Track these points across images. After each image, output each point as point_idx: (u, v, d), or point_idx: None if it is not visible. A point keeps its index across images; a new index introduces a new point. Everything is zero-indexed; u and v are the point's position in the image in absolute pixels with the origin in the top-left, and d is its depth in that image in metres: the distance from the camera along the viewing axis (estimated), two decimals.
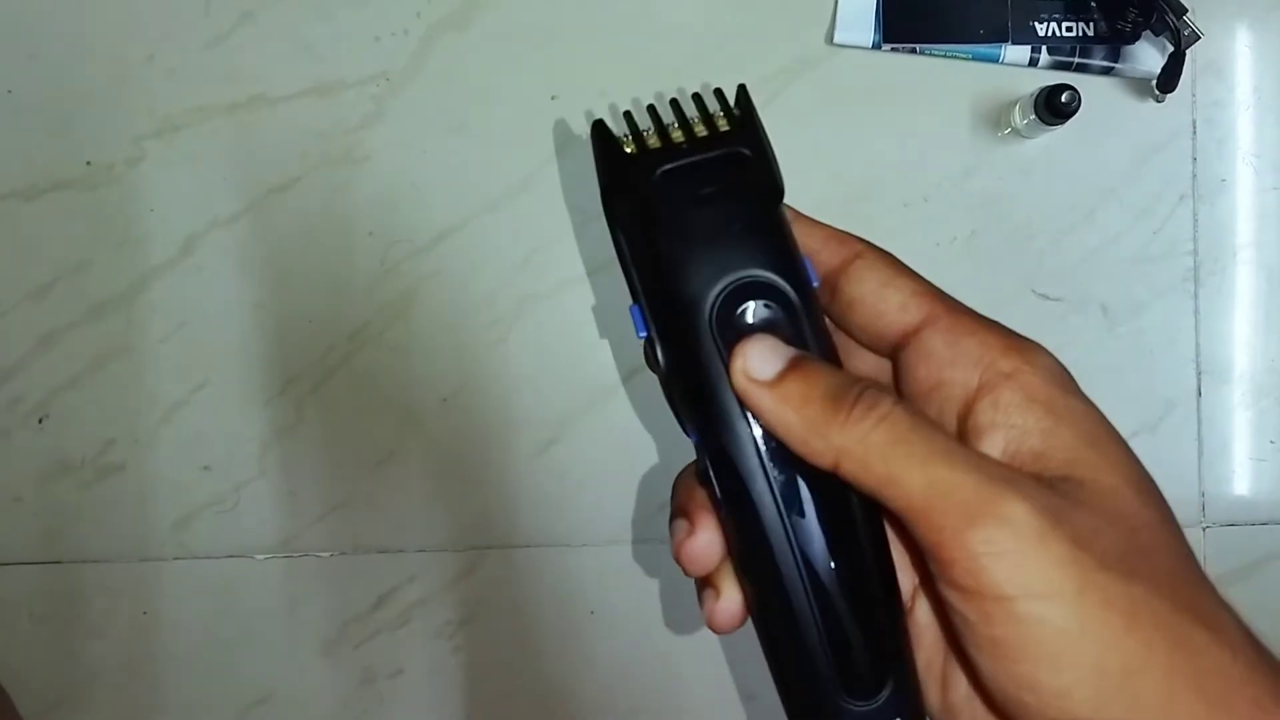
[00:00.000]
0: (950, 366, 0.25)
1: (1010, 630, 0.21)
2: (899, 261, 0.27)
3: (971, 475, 0.22)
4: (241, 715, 0.58)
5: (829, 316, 0.27)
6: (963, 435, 0.25)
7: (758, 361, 0.24)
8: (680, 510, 0.27)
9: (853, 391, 0.23)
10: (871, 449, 0.22)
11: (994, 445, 0.24)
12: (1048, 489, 0.22)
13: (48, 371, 0.57)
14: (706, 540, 0.26)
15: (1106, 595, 0.21)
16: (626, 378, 0.58)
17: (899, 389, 0.26)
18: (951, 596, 0.22)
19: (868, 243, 0.27)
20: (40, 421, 0.57)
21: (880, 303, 0.26)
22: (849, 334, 0.27)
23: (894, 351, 0.26)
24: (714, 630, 0.27)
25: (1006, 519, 0.21)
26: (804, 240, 0.26)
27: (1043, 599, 0.21)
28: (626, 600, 0.58)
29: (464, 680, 0.58)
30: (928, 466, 0.22)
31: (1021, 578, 0.21)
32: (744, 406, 0.24)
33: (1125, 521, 0.22)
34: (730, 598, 0.26)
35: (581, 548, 0.58)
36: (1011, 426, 0.24)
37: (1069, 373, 0.25)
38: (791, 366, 0.24)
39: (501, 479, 0.58)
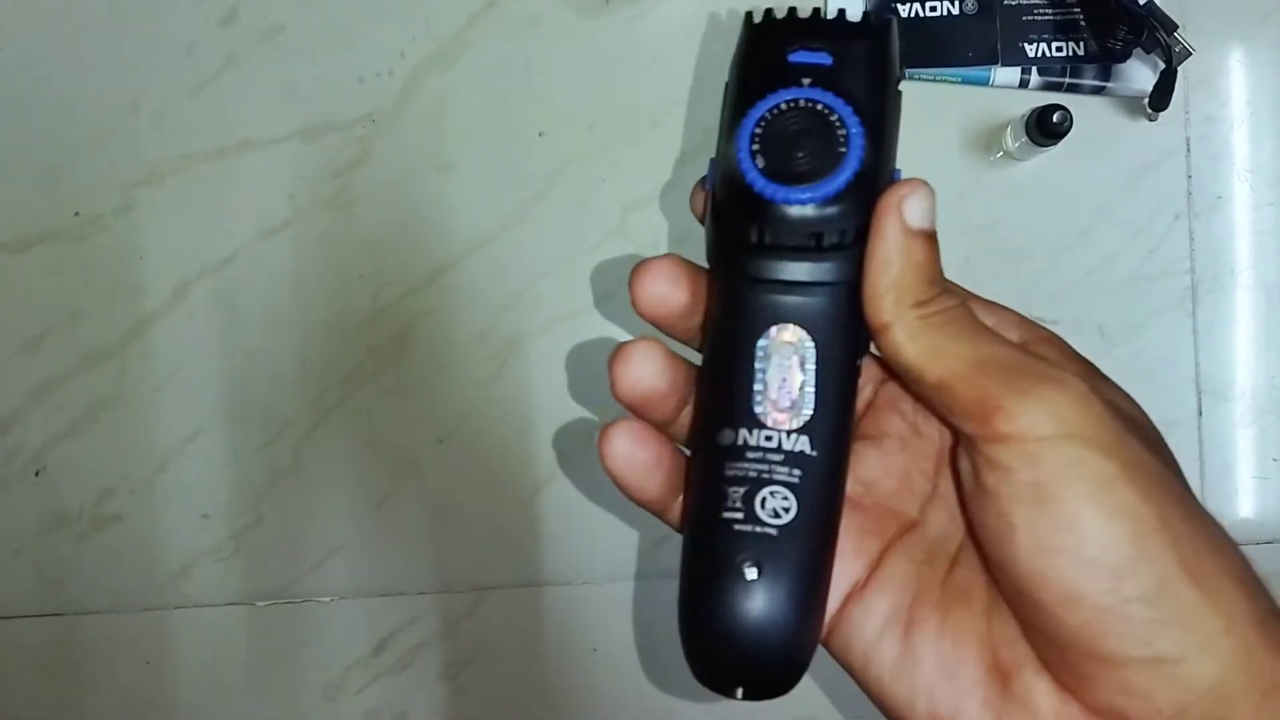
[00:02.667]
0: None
1: (1050, 469, 0.23)
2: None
3: (1020, 355, 0.24)
4: None
5: None
6: None
7: (919, 206, 0.25)
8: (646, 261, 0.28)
9: (941, 285, 0.25)
10: (919, 329, 0.24)
11: None
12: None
13: (43, 423, 0.57)
14: (669, 281, 0.27)
15: (1137, 457, 0.23)
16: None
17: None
18: (993, 450, 0.23)
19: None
20: (37, 474, 0.57)
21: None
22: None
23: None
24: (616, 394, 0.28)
25: (1054, 378, 0.23)
26: None
27: (1085, 441, 0.23)
28: (629, 637, 0.58)
29: None
30: (979, 345, 0.24)
31: (1067, 421, 0.23)
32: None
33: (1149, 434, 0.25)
34: (640, 353, 0.27)
35: (582, 585, 0.58)
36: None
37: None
38: (929, 236, 0.25)
39: (500, 518, 0.58)
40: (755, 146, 0.25)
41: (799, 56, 0.26)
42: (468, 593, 0.58)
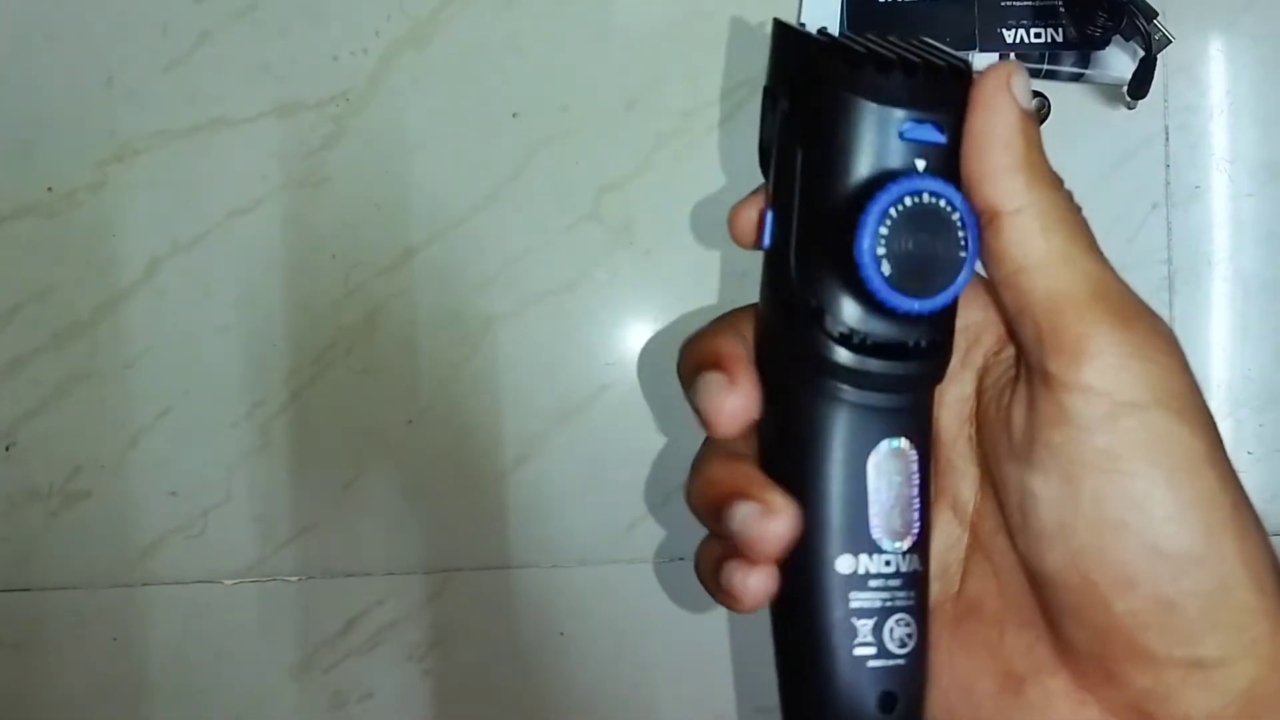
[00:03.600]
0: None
1: (1133, 441, 0.21)
2: None
3: (1135, 299, 0.22)
4: None
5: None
6: None
7: (1024, 87, 0.23)
8: (710, 362, 0.24)
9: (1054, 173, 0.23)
10: (1055, 219, 0.22)
11: None
12: None
13: (13, 399, 0.57)
14: (745, 395, 0.23)
15: (1219, 439, 0.22)
16: (595, 395, 0.57)
17: None
18: (1073, 400, 0.21)
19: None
20: (7, 449, 0.57)
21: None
22: None
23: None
24: (759, 552, 0.23)
25: (1162, 335, 0.22)
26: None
27: (1177, 415, 0.21)
28: (597, 621, 0.58)
29: (434, 703, 0.58)
30: (1104, 268, 0.22)
31: (1162, 386, 0.21)
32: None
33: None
34: (783, 507, 0.23)
35: (551, 569, 0.58)
36: None
37: None
38: (1032, 114, 0.23)
39: (470, 500, 0.58)
40: (881, 252, 0.21)
41: (913, 132, 0.22)
42: (436, 574, 0.58)
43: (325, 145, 0.57)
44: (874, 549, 0.23)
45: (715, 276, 0.57)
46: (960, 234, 0.22)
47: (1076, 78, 0.57)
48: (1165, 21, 0.53)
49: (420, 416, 0.58)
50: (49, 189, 0.57)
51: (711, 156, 0.57)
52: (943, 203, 0.22)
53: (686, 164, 0.57)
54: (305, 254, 0.57)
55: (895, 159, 0.22)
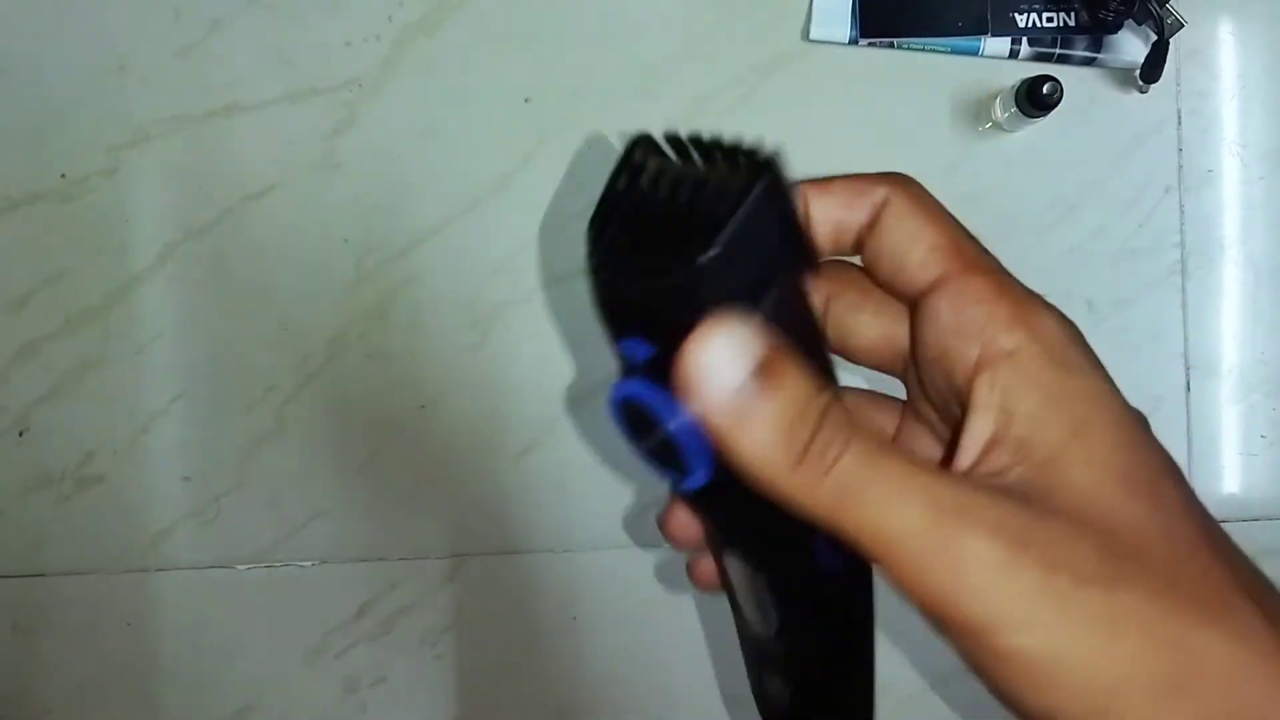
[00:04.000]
0: (954, 335, 0.23)
1: (991, 661, 0.21)
2: (930, 203, 0.25)
3: (928, 515, 0.21)
4: None
5: (864, 267, 0.26)
6: (963, 407, 0.24)
7: (717, 378, 0.21)
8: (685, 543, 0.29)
9: (806, 430, 0.21)
10: (822, 500, 0.21)
11: (983, 428, 0.23)
12: (1016, 503, 0.21)
13: (27, 384, 0.57)
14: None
15: (1086, 612, 0.20)
16: (607, 380, 0.57)
17: (912, 347, 0.25)
18: (932, 629, 0.22)
19: (896, 182, 0.25)
20: (20, 435, 0.57)
21: (901, 258, 0.24)
22: (880, 286, 0.26)
23: (912, 308, 0.25)
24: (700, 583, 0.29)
25: (967, 556, 0.20)
26: (819, 209, 0.25)
27: (1019, 630, 0.20)
28: (609, 605, 0.58)
29: (447, 688, 0.58)
30: (883, 512, 0.21)
31: (995, 611, 0.20)
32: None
33: (1104, 523, 0.21)
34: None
35: (564, 553, 0.58)
36: (1003, 410, 0.23)
37: (1079, 338, 0.24)
38: (761, 372, 0.21)
39: (482, 485, 0.58)
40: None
41: (625, 349, 0.23)
42: (449, 559, 0.58)
43: (338, 131, 0.57)
44: None
45: None
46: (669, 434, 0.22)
47: (1089, 62, 0.57)
48: (1177, 6, 0.53)
49: (432, 402, 0.58)
50: (62, 175, 0.57)
51: None
52: (649, 406, 0.22)
53: None
54: (318, 240, 0.57)
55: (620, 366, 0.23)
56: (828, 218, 0.25)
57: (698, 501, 0.25)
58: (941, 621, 0.21)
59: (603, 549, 0.58)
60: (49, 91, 0.57)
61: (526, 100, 0.57)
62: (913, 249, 0.24)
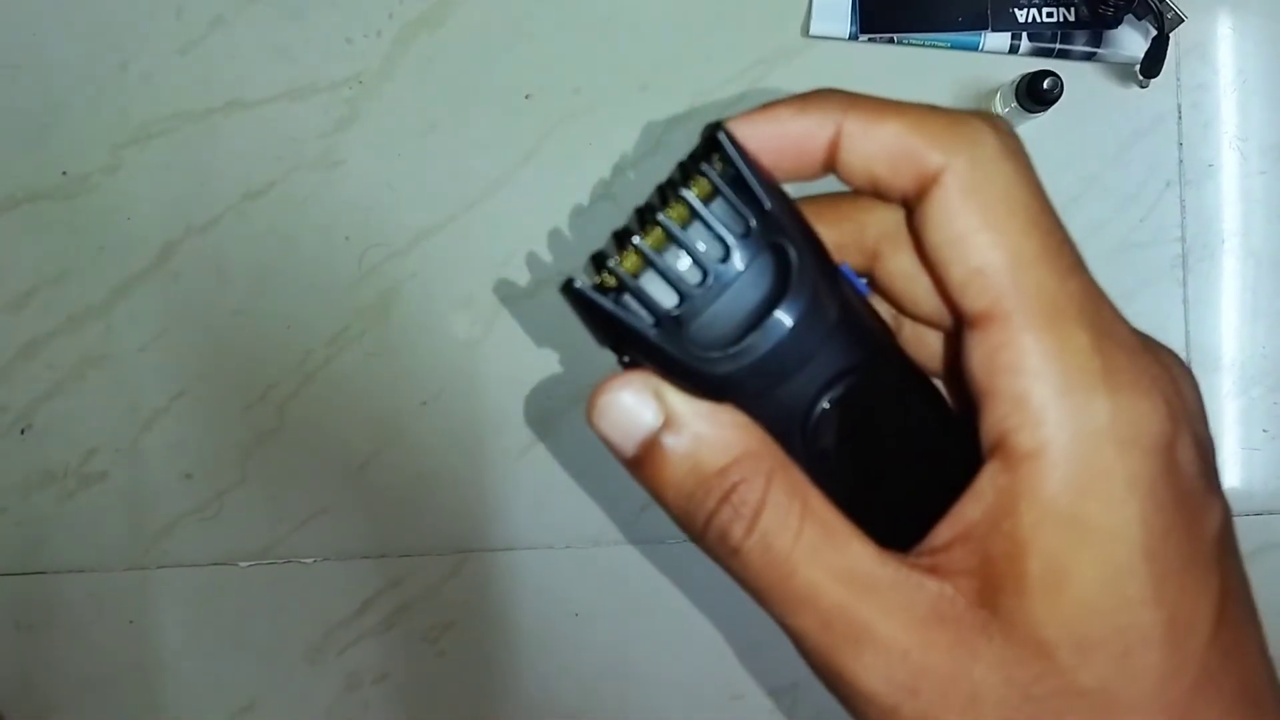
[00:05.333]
0: (866, 169, 0.20)
1: None
2: (875, 102, 0.21)
3: (837, 587, 0.19)
4: None
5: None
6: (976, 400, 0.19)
7: (616, 432, 0.20)
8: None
9: (708, 505, 0.19)
10: (739, 571, 0.20)
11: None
12: (948, 601, 0.18)
13: (29, 382, 0.57)
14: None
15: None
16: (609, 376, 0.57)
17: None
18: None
19: (837, 96, 0.21)
20: (23, 432, 0.57)
21: (940, 272, 0.20)
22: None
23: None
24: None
25: (859, 690, 0.19)
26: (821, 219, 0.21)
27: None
28: (610, 602, 0.58)
29: (449, 684, 0.58)
30: (796, 581, 0.19)
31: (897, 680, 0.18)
32: None
33: (1088, 648, 0.18)
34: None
35: (565, 549, 0.58)
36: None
37: (1015, 151, 0.19)
38: (646, 451, 0.20)
39: (483, 482, 0.58)
40: None
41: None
42: (450, 555, 0.58)
43: (339, 128, 0.57)
44: None
45: None
46: None
47: (1089, 57, 0.57)
48: (1177, 1, 0.53)
49: (434, 399, 0.58)
50: (64, 173, 0.57)
51: None
52: None
53: None
54: (319, 236, 0.57)
55: None
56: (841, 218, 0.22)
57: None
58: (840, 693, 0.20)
59: (604, 545, 0.58)
60: (51, 89, 0.57)
61: (527, 97, 0.57)
62: (952, 267, 0.19)
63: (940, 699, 0.18)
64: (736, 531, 0.19)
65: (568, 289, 0.20)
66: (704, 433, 0.19)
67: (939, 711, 0.18)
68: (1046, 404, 0.18)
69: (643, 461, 0.20)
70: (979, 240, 0.18)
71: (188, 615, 0.58)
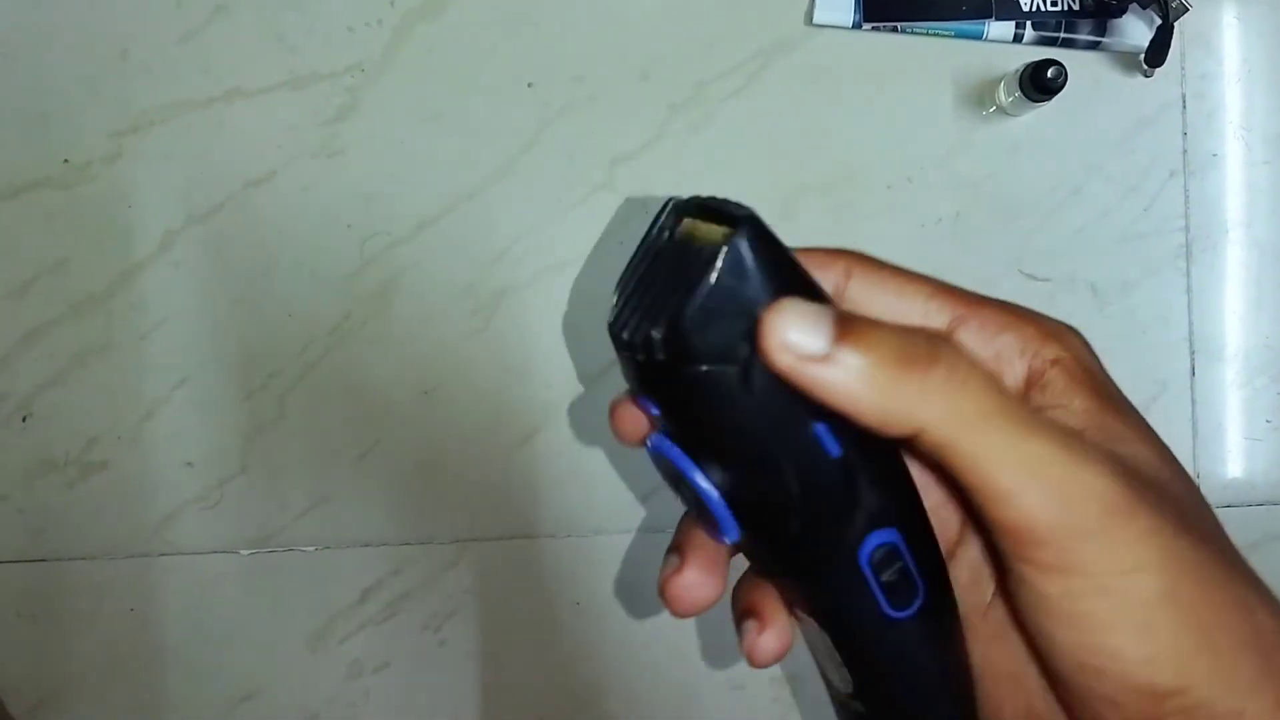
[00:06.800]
0: (994, 363, 0.25)
1: (1098, 603, 0.21)
2: (887, 263, 0.26)
3: (1059, 450, 0.21)
4: (229, 711, 0.58)
5: None
6: None
7: (799, 335, 0.20)
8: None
9: (923, 349, 0.21)
10: (957, 422, 0.21)
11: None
12: (1117, 459, 0.23)
13: (30, 370, 0.57)
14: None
15: (1184, 562, 0.21)
16: (609, 366, 0.57)
17: None
18: (1031, 574, 0.22)
19: (846, 252, 0.26)
20: (24, 420, 0.57)
21: (902, 315, 0.25)
22: None
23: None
24: (755, 663, 0.26)
25: (1096, 495, 0.21)
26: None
27: (1132, 573, 0.21)
28: (612, 591, 0.58)
29: (450, 673, 0.58)
30: (1016, 443, 0.21)
31: (1113, 555, 0.21)
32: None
33: (1173, 490, 0.23)
34: (779, 626, 0.26)
35: (566, 539, 0.58)
36: (1058, 408, 0.24)
37: (1094, 351, 0.26)
38: (843, 331, 0.20)
39: (485, 471, 0.58)
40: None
41: (643, 404, 0.24)
42: (452, 544, 0.58)
43: (340, 116, 0.57)
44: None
45: None
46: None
47: (1093, 46, 0.57)
48: None
49: (435, 387, 0.58)
50: (65, 161, 0.57)
51: (725, 127, 0.57)
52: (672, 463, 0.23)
53: (700, 135, 0.57)
54: (320, 225, 0.57)
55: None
56: None
57: (745, 553, 0.25)
58: (1052, 563, 0.21)
59: (606, 534, 0.58)
60: (52, 77, 0.57)
61: (529, 85, 0.57)
62: (910, 304, 0.25)
63: None
64: (963, 363, 0.21)
65: None
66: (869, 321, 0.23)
67: None
68: (1041, 332, 0.25)
69: (841, 343, 0.21)
70: (914, 285, 0.26)
71: (189, 603, 0.58)
